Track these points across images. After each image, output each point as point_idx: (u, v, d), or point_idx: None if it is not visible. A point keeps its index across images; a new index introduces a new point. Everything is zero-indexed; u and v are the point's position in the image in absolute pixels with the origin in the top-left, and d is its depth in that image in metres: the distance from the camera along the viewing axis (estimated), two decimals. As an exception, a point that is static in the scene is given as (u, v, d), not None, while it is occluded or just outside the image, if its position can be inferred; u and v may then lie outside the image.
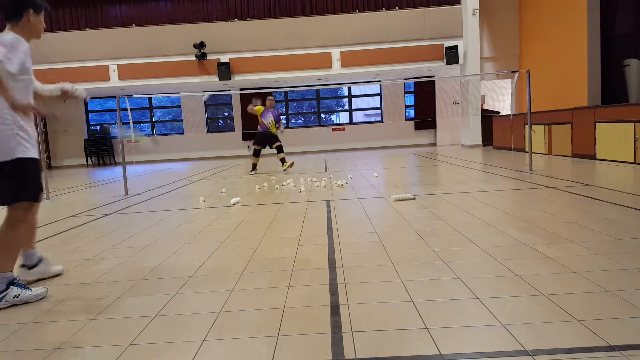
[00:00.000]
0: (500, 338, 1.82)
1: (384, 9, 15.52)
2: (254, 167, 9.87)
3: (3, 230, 2.56)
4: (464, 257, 2.92)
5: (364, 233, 3.76)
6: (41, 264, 2.96)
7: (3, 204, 2.56)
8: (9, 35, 2.54)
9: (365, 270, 2.79)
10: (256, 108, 9.63)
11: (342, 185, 6.85)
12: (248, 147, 18.34)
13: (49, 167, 17.25)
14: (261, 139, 9.75)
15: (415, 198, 5.27)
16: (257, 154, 9.84)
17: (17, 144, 2.50)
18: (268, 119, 9.60)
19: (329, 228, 4.02)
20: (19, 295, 2.53)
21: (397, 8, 15.48)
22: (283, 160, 9.81)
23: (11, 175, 2.51)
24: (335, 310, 2.20)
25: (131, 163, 17.18)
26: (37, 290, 2.62)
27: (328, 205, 5.21)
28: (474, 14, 14.30)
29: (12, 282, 2.55)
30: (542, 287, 2.33)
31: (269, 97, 9.74)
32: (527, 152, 8.86)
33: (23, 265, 2.91)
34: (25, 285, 2.62)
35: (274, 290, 2.53)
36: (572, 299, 2.16)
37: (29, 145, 2.57)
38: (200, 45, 14.87)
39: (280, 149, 9.80)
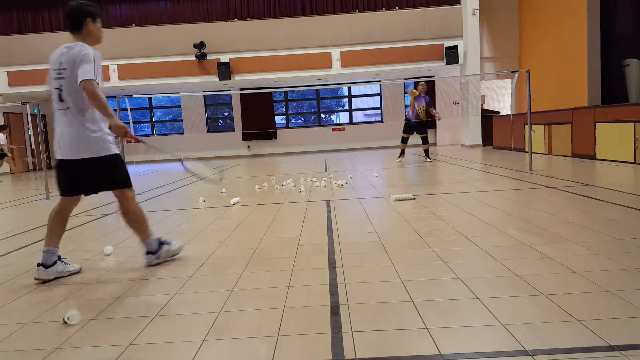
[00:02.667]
0: (500, 338, 1.82)
1: (384, 9, 15.52)
2: (402, 152, 10.50)
3: (127, 211, 3.02)
4: (464, 257, 2.92)
5: (364, 233, 3.76)
6: (59, 262, 2.97)
7: (117, 188, 3.00)
8: (87, 48, 2.82)
9: (365, 270, 2.78)
10: (413, 92, 10.16)
11: (342, 185, 6.85)
12: (248, 147, 18.35)
13: (49, 167, 17.23)
14: (409, 127, 10.31)
15: (415, 198, 5.27)
16: (404, 141, 10.46)
17: (111, 144, 2.97)
18: (420, 104, 10.11)
19: (329, 228, 4.02)
20: (168, 250, 3.17)
21: (397, 8, 15.47)
22: (427, 152, 10.43)
23: (116, 165, 2.98)
24: (335, 310, 2.20)
25: (131, 163, 17.16)
26: (176, 244, 3.24)
27: (328, 205, 5.21)
28: (474, 14, 14.30)
29: (162, 242, 3.16)
30: (542, 287, 2.33)
31: (422, 83, 10.16)
32: (527, 152, 8.86)
33: (41, 265, 2.91)
34: (168, 242, 3.21)
35: (274, 290, 2.53)
36: (572, 299, 2.16)
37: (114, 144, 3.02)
38: (200, 45, 14.87)
39: (425, 140, 10.42)
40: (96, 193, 3.04)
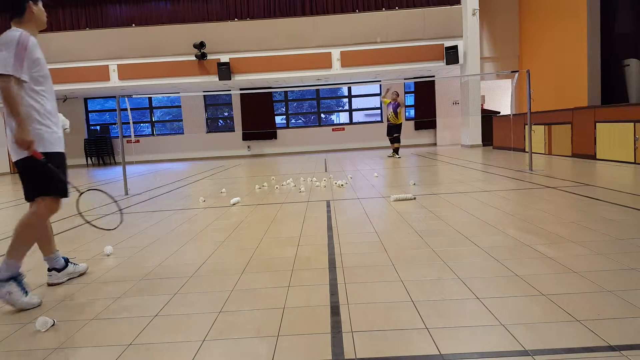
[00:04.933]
0: (500, 338, 1.82)
1: (384, 9, 15.52)
2: (395, 151, 12.15)
3: (27, 222, 2.58)
4: (464, 257, 2.92)
5: (364, 233, 3.76)
6: (69, 264, 2.95)
7: (28, 199, 2.63)
8: (14, 31, 2.47)
9: (365, 270, 2.78)
10: (384, 101, 12.10)
11: (342, 185, 6.85)
12: (248, 147, 18.35)
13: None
14: (388, 129, 12.21)
15: (415, 198, 5.27)
16: (392, 142, 12.21)
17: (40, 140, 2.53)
18: (388, 111, 11.85)
19: (329, 228, 4.02)
20: (11, 293, 2.41)
21: (397, 8, 15.48)
22: (397, 150, 12.09)
23: (32, 170, 2.54)
24: (335, 310, 2.20)
25: (131, 163, 17.18)
26: (32, 297, 2.48)
27: (328, 205, 5.21)
28: (474, 14, 14.30)
29: (15, 278, 2.45)
30: (542, 287, 2.33)
31: (394, 91, 11.91)
32: (527, 152, 8.86)
33: (53, 269, 2.87)
34: (25, 290, 2.47)
35: (274, 290, 2.53)
36: (572, 299, 2.16)
37: (52, 140, 2.59)
38: (200, 45, 14.87)
39: (397, 140, 12.10)
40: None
